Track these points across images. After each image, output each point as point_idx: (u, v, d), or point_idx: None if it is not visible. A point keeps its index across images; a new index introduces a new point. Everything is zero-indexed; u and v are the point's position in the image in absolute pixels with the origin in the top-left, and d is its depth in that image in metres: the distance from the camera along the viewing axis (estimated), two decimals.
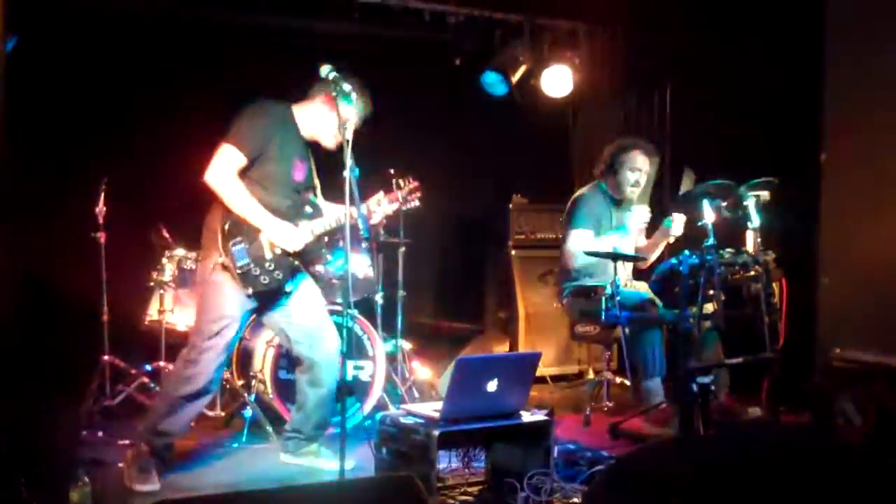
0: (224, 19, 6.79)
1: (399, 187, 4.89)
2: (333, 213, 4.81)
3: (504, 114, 7.69)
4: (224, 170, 4.56)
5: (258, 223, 4.61)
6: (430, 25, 7.18)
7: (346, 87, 4.37)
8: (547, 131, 8.21)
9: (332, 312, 5.57)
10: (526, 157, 8.12)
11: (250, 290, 4.62)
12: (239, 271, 4.59)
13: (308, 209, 4.81)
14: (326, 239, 5.05)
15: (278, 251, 4.67)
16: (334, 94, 4.46)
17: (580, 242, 6.06)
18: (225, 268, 4.61)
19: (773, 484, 3.09)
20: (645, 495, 3.01)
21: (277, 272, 4.68)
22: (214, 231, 4.64)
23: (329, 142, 4.80)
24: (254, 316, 5.06)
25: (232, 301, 4.67)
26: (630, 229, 6.12)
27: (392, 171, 6.18)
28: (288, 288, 4.79)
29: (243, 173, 4.63)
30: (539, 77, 7.57)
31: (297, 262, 4.78)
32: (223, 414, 5.78)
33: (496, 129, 7.82)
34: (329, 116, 4.71)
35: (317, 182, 4.98)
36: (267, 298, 4.79)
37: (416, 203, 4.96)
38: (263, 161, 4.66)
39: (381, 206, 4.89)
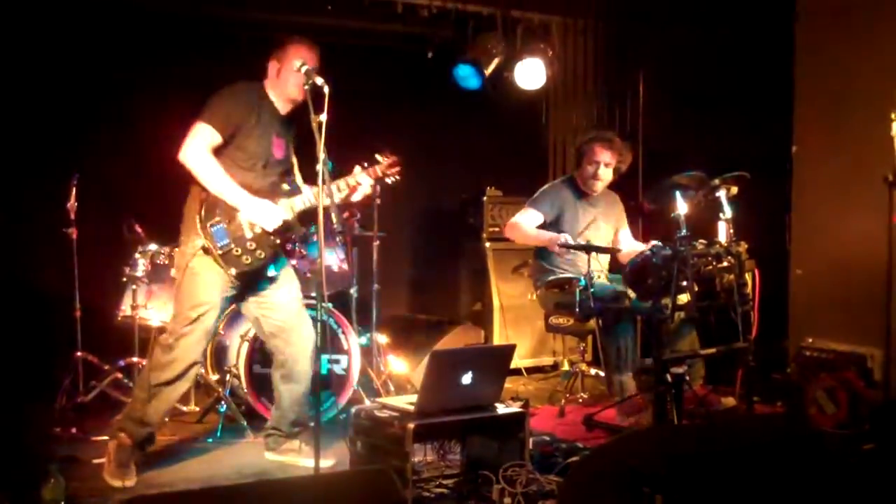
0: (196, 13, 6.75)
1: (378, 161, 4.85)
2: (311, 192, 4.77)
3: (477, 106, 7.68)
4: (198, 147, 4.51)
5: (235, 202, 4.56)
6: (403, 18, 7.17)
7: (319, 80, 4.35)
8: (520, 124, 8.22)
9: (306, 306, 5.57)
10: (500, 150, 8.12)
11: (234, 271, 4.60)
12: (220, 251, 4.56)
13: (286, 186, 4.78)
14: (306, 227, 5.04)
15: (258, 230, 4.64)
16: (296, 69, 4.50)
17: (527, 220, 6.12)
18: (206, 251, 4.57)
19: (748, 473, 3.11)
20: (620, 486, 3.02)
21: (259, 251, 4.65)
22: (192, 215, 4.61)
23: (298, 94, 4.64)
24: (232, 306, 5.04)
25: (212, 286, 4.64)
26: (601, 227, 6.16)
27: (365, 165, 6.21)
28: (271, 272, 4.78)
29: (220, 152, 4.58)
30: (512, 70, 7.56)
31: (277, 242, 4.75)
32: (198, 409, 5.76)
33: (470, 121, 7.82)
34: (283, 74, 4.67)
35: (294, 160, 4.94)
36: (248, 282, 4.76)
37: (396, 178, 4.91)
38: (240, 139, 4.62)
39: (361, 181, 4.82)
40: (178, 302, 4.76)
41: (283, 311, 4.87)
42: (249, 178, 4.64)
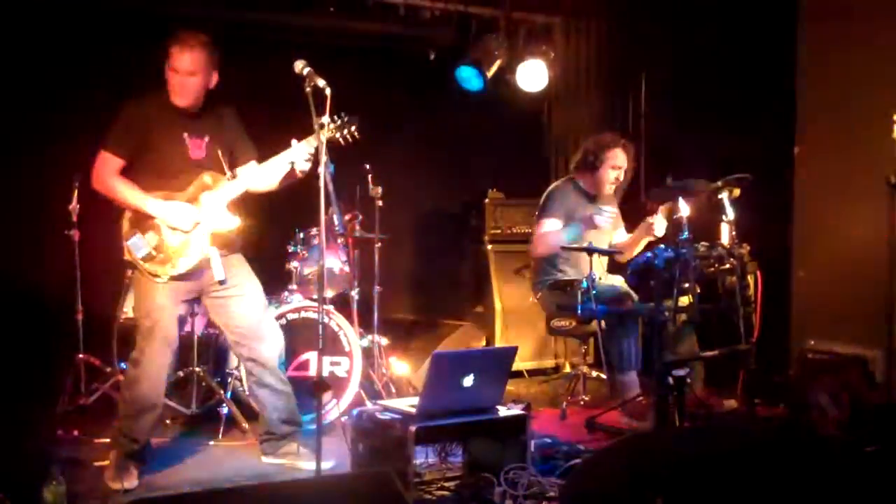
0: (200, 15, 6.74)
1: (333, 121, 4.50)
2: (247, 176, 4.73)
3: (479, 108, 7.68)
4: (103, 175, 4.62)
5: (147, 210, 4.59)
6: (405, 19, 7.17)
7: (321, 82, 4.34)
8: (522, 126, 8.22)
9: (308, 308, 5.58)
10: (501, 152, 8.12)
11: (163, 278, 4.61)
12: (141, 262, 4.61)
13: (207, 178, 4.70)
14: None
15: (181, 234, 4.63)
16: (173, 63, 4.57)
17: (552, 227, 6.08)
18: (132, 264, 4.66)
19: (749, 476, 3.10)
20: (621, 489, 3.02)
21: (186, 252, 4.64)
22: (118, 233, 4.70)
23: (179, 97, 4.63)
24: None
25: (153, 296, 4.66)
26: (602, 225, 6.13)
27: (367, 167, 6.19)
28: (218, 276, 4.71)
29: (135, 168, 4.64)
30: (514, 71, 7.56)
31: (207, 241, 4.68)
32: (199, 411, 5.76)
33: (471, 123, 7.81)
34: (168, 75, 4.64)
35: (244, 153, 4.85)
36: (198, 287, 4.76)
37: (355, 135, 4.55)
38: (147, 151, 4.65)
39: (308, 144, 4.60)
40: (134, 315, 4.87)
41: (244, 319, 4.85)
42: (166, 183, 4.65)
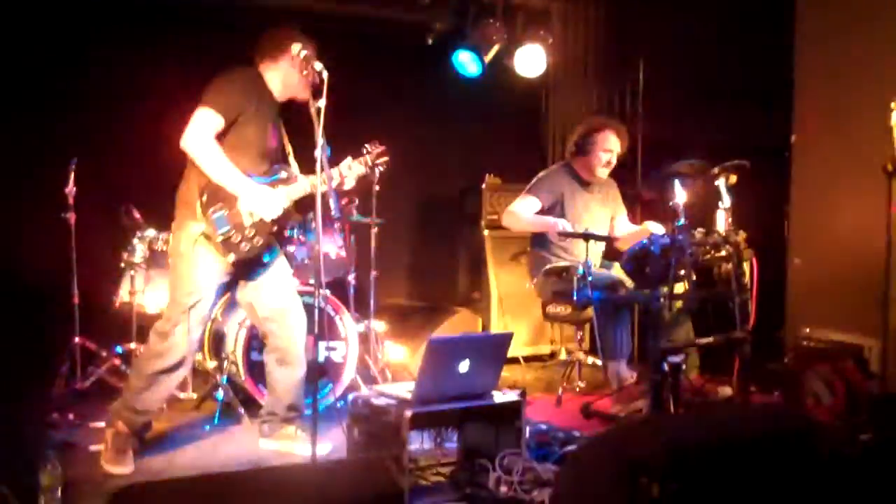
0: (197, 2, 6.74)
1: (368, 151, 4.86)
2: (308, 180, 4.76)
3: (477, 93, 7.67)
4: (202, 134, 4.47)
5: (236, 188, 4.54)
6: (403, 4, 7.15)
7: (318, 65, 4.34)
8: (520, 111, 8.21)
9: (304, 293, 5.57)
10: (499, 137, 8.11)
11: (232, 258, 4.60)
12: (220, 238, 4.56)
13: (283, 174, 4.78)
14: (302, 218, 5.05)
15: (256, 217, 4.64)
16: (295, 53, 4.56)
17: (525, 207, 6.12)
18: (206, 237, 4.57)
19: (744, 463, 3.11)
20: (616, 475, 3.02)
21: (257, 238, 4.65)
22: (190, 201, 4.59)
23: (305, 93, 4.62)
24: (227, 293, 5.04)
25: (208, 272, 4.65)
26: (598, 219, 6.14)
27: (364, 150, 6.20)
28: (266, 259, 4.79)
29: (219, 138, 4.54)
30: (512, 56, 7.55)
31: (275, 229, 4.75)
32: (195, 396, 5.76)
33: (469, 108, 7.80)
34: (297, 74, 4.67)
35: (289, 149, 4.94)
36: (244, 268, 4.77)
37: (384, 167, 4.92)
38: (239, 125, 4.60)
39: (351, 171, 4.81)
40: (173, 288, 4.74)
41: (277, 295, 4.88)
42: (245, 164, 4.62)
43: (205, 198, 4.55)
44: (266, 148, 4.74)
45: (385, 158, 4.89)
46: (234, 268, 4.69)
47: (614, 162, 6.19)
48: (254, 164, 4.67)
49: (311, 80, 4.50)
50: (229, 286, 4.88)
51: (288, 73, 4.72)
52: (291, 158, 4.93)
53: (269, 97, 4.76)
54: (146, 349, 4.79)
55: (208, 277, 4.65)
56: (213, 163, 4.50)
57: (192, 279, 4.65)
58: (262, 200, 4.60)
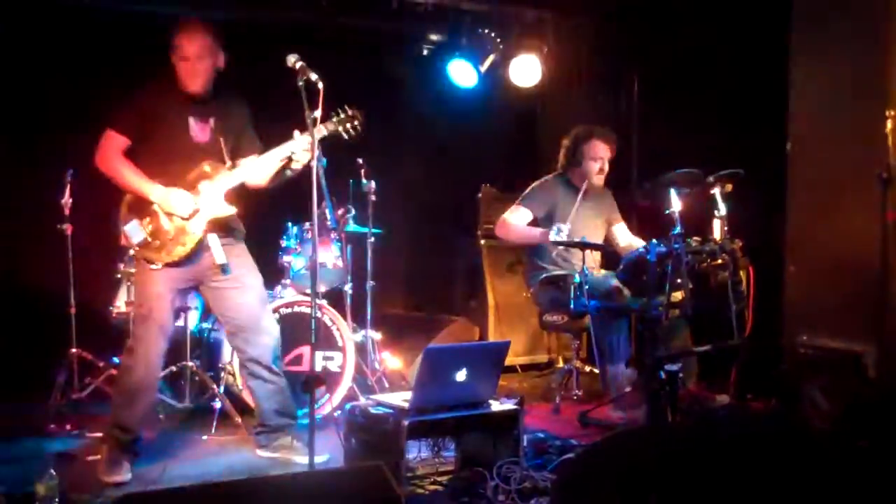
0: (192, 10, 6.72)
1: (337, 114, 4.71)
2: (246, 166, 4.75)
3: (472, 103, 7.67)
4: (107, 153, 4.62)
5: (147, 195, 4.60)
6: (398, 14, 7.16)
7: (313, 76, 4.34)
8: (515, 121, 8.22)
9: (301, 303, 5.57)
10: (494, 147, 8.12)
11: (158, 265, 4.62)
12: (137, 247, 4.62)
13: (206, 167, 4.70)
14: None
15: (178, 221, 4.64)
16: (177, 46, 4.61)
17: (517, 218, 6.15)
18: (127, 250, 4.64)
19: (741, 471, 3.11)
20: (614, 483, 3.03)
21: (182, 240, 4.64)
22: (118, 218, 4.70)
23: (195, 81, 4.67)
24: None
25: (149, 283, 4.68)
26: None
27: (360, 161, 6.19)
28: (218, 261, 4.73)
29: (138, 150, 4.64)
30: (507, 66, 7.57)
31: (203, 228, 4.68)
32: (192, 406, 5.75)
33: (464, 118, 7.81)
34: (178, 64, 4.67)
35: (248, 146, 4.87)
36: (190, 272, 4.75)
37: (358, 129, 4.75)
38: (152, 135, 4.66)
39: (318, 133, 4.56)
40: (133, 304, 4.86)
41: (242, 311, 4.86)
42: (170, 169, 4.64)
43: (122, 211, 4.67)
44: (189, 146, 4.71)
45: (358, 121, 4.75)
46: (180, 272, 4.70)
47: (606, 168, 6.21)
48: (178, 166, 4.67)
49: (188, 64, 4.60)
50: (192, 289, 4.93)
51: (178, 66, 4.70)
52: (253, 149, 4.86)
53: (183, 97, 4.72)
54: (119, 368, 4.86)
55: (151, 288, 4.68)
56: (121, 178, 4.62)
57: (140, 291, 4.76)
58: (170, 201, 4.61)
